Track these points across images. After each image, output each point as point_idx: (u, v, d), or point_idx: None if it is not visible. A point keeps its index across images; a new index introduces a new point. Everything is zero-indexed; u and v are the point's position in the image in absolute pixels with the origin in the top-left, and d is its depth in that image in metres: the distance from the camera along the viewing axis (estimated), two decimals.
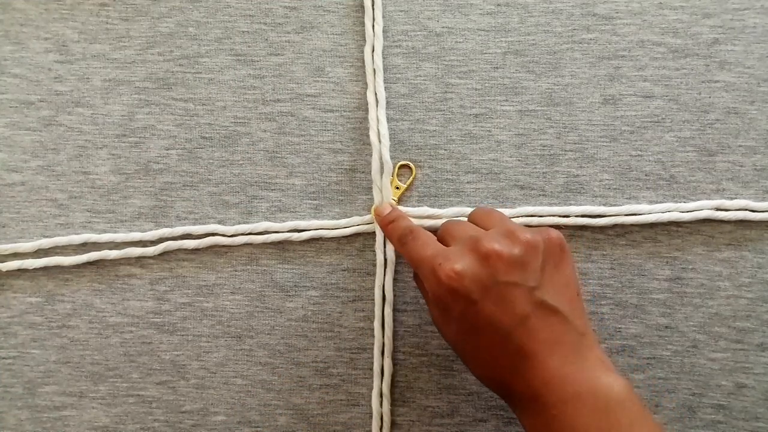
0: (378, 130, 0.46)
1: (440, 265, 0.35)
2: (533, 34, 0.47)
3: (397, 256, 0.46)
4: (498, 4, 0.48)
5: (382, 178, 0.45)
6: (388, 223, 0.43)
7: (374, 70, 0.46)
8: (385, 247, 0.45)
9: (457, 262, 0.34)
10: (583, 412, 0.32)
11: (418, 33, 0.48)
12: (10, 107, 0.48)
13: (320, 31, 0.48)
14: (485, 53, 0.47)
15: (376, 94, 0.46)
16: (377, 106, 0.46)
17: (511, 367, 0.34)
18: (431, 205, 0.46)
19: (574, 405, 0.33)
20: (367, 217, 0.46)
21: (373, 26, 0.47)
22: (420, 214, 0.45)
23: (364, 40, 0.47)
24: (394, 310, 0.46)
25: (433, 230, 0.46)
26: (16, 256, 0.47)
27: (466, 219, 0.42)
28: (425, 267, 0.36)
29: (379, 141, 0.45)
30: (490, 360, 0.35)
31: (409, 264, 0.39)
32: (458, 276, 0.34)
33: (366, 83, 0.47)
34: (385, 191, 0.45)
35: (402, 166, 0.47)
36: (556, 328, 0.34)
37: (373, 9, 0.47)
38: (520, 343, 0.34)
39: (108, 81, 0.48)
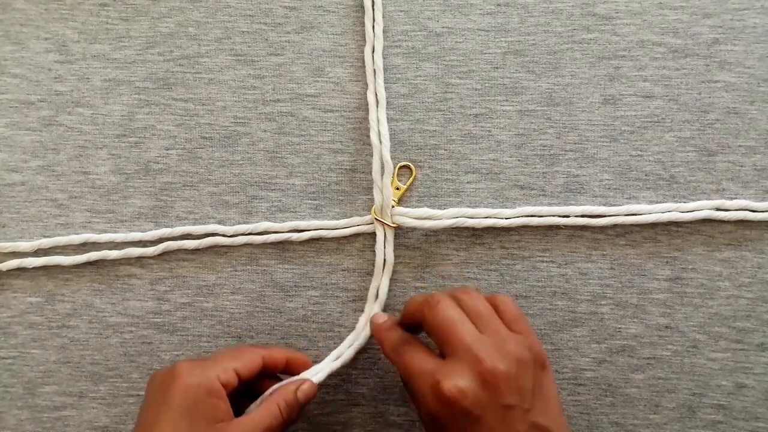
0: (378, 130, 0.46)
1: (440, 382, 0.35)
2: (533, 34, 0.47)
3: (396, 257, 0.46)
4: (498, 4, 0.48)
5: (382, 178, 0.45)
6: (383, 332, 0.41)
7: (374, 70, 0.46)
8: (385, 248, 0.45)
9: (459, 380, 0.35)
10: None
11: (418, 33, 0.48)
12: (10, 107, 0.48)
13: (320, 31, 0.48)
14: (485, 53, 0.47)
15: (376, 94, 0.46)
16: (377, 106, 0.46)
17: None
18: (431, 205, 0.46)
19: None
20: (367, 218, 0.46)
21: (373, 27, 0.47)
22: (420, 215, 0.45)
23: (364, 40, 0.47)
24: (391, 310, 0.46)
25: (432, 232, 0.46)
26: (16, 255, 0.47)
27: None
28: (424, 381, 0.36)
29: (380, 141, 0.45)
30: None
31: (402, 374, 0.39)
32: (461, 394, 0.34)
33: (366, 83, 0.47)
34: (385, 192, 0.45)
35: (402, 167, 0.47)
36: None
37: (373, 9, 0.47)
38: None
39: (108, 81, 0.48)
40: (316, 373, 0.42)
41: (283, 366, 0.42)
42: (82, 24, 0.48)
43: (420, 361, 0.37)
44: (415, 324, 0.40)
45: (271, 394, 0.40)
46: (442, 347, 0.37)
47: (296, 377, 0.41)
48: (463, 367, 0.35)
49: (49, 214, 0.47)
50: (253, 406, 0.40)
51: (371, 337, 0.44)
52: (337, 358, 0.44)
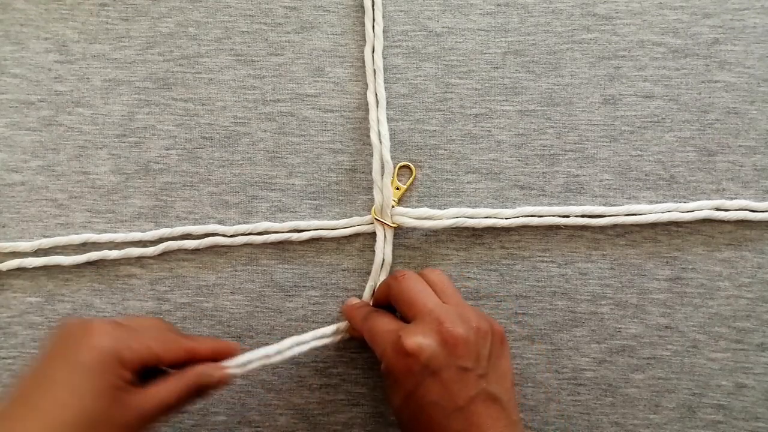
0: (378, 130, 0.46)
1: (402, 337, 0.36)
2: (533, 34, 0.47)
3: (396, 257, 0.46)
4: (498, 4, 0.48)
5: (382, 178, 0.45)
6: (353, 309, 0.43)
7: (374, 70, 0.46)
8: (384, 248, 0.45)
9: (419, 336, 0.36)
10: None
11: (418, 33, 0.48)
12: (10, 107, 0.48)
13: (320, 31, 0.48)
14: (485, 53, 0.47)
15: (376, 94, 0.46)
16: (377, 106, 0.46)
17: None
18: (431, 205, 0.46)
19: None
20: (367, 218, 0.46)
21: (374, 27, 0.47)
22: (420, 215, 0.45)
23: (364, 40, 0.47)
24: None
25: (432, 232, 0.46)
26: (16, 255, 0.47)
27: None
28: (386, 338, 0.38)
29: (380, 142, 0.45)
30: None
31: (368, 339, 0.40)
32: (420, 349, 0.36)
33: (366, 83, 0.47)
34: (385, 192, 0.45)
35: (402, 167, 0.47)
36: (494, 415, 0.36)
37: (373, 10, 0.47)
38: (459, 427, 0.35)
39: (108, 81, 0.48)
40: (245, 363, 0.40)
41: (209, 359, 0.40)
42: (82, 24, 0.48)
43: (385, 324, 0.39)
44: (385, 302, 0.41)
45: (182, 372, 0.38)
46: (407, 313, 0.39)
47: (216, 364, 0.39)
48: (424, 326, 0.37)
49: (49, 214, 0.47)
50: (159, 380, 0.37)
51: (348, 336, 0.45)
52: (291, 347, 0.42)
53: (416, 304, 0.38)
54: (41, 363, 0.35)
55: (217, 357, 0.39)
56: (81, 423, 0.33)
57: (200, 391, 0.38)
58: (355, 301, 0.45)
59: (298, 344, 0.42)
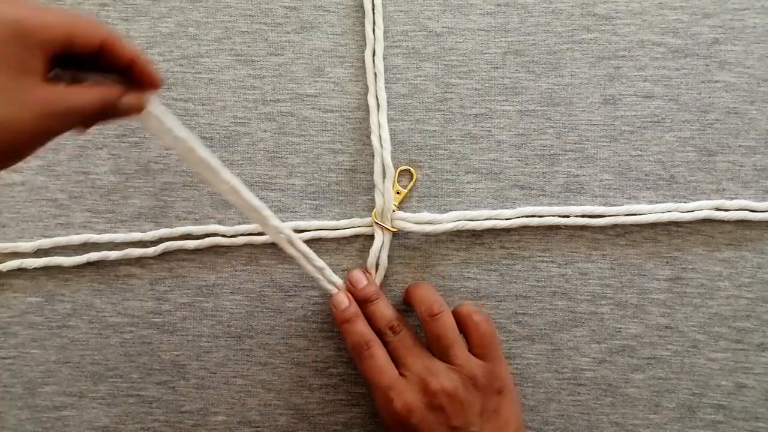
0: (379, 134, 0.46)
1: (393, 400, 0.38)
2: (533, 34, 0.47)
3: (396, 258, 0.46)
4: (498, 4, 0.48)
5: (384, 182, 0.45)
6: (344, 322, 0.42)
7: (375, 73, 0.46)
8: (380, 252, 0.45)
9: (408, 400, 0.38)
10: None
11: (418, 33, 0.48)
12: None
13: (320, 32, 0.48)
14: (485, 53, 0.47)
15: (377, 97, 0.46)
16: (378, 110, 0.46)
17: None
18: (431, 205, 0.46)
19: None
20: (368, 219, 0.46)
21: (374, 29, 0.47)
22: (420, 220, 0.45)
23: (365, 40, 0.47)
24: None
25: (433, 234, 0.46)
26: (16, 255, 0.47)
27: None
28: (379, 393, 0.40)
29: (381, 145, 0.45)
30: None
31: (363, 376, 0.41)
32: (409, 414, 0.38)
33: (366, 84, 0.47)
34: (387, 196, 0.45)
35: (402, 170, 0.47)
36: None
37: (373, 12, 0.47)
38: None
39: None
40: (180, 139, 0.36)
41: (126, 64, 0.33)
42: None
43: (378, 372, 0.40)
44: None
45: (102, 83, 0.32)
46: (397, 366, 0.40)
47: (140, 95, 0.34)
48: (412, 387, 0.39)
49: (49, 214, 0.47)
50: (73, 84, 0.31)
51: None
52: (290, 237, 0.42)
53: (405, 363, 0.40)
54: None
55: (135, 69, 0.33)
56: None
57: (113, 111, 0.32)
58: (344, 303, 0.43)
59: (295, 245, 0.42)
